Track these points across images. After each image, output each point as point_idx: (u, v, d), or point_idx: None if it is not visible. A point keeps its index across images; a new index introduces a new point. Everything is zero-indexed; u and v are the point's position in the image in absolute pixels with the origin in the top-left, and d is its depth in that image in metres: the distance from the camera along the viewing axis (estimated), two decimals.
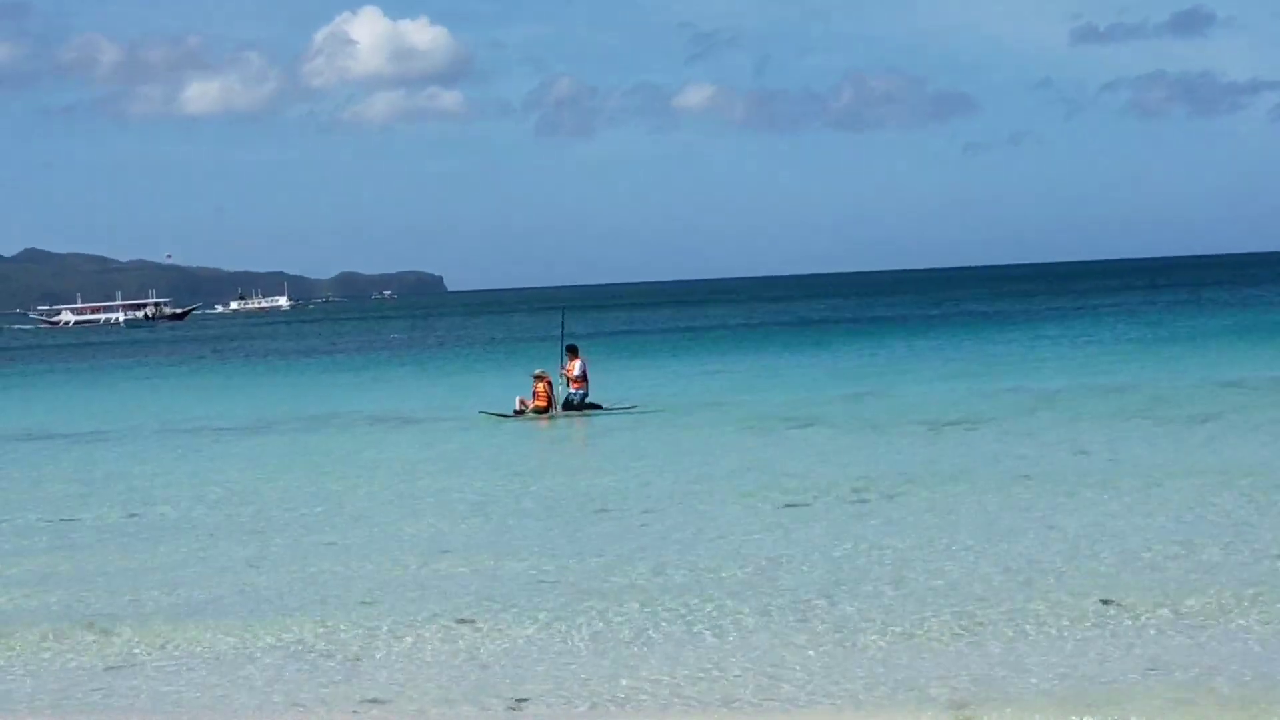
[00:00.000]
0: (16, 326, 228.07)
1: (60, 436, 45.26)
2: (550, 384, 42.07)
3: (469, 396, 51.47)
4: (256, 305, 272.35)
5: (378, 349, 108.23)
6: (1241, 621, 16.45)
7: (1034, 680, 14.68)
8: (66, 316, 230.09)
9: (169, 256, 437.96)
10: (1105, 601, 17.29)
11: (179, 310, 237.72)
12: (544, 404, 41.70)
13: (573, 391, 42.12)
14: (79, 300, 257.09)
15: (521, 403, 41.99)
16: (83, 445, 42.11)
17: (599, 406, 42.10)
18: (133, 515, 27.72)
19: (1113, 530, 21.92)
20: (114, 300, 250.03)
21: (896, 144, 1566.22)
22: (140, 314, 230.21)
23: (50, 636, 17.90)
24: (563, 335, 44.90)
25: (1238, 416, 35.97)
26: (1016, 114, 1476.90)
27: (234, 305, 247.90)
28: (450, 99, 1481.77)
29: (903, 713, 13.93)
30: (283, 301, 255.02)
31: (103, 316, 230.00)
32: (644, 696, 14.70)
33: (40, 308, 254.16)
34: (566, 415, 41.43)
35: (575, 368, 42.23)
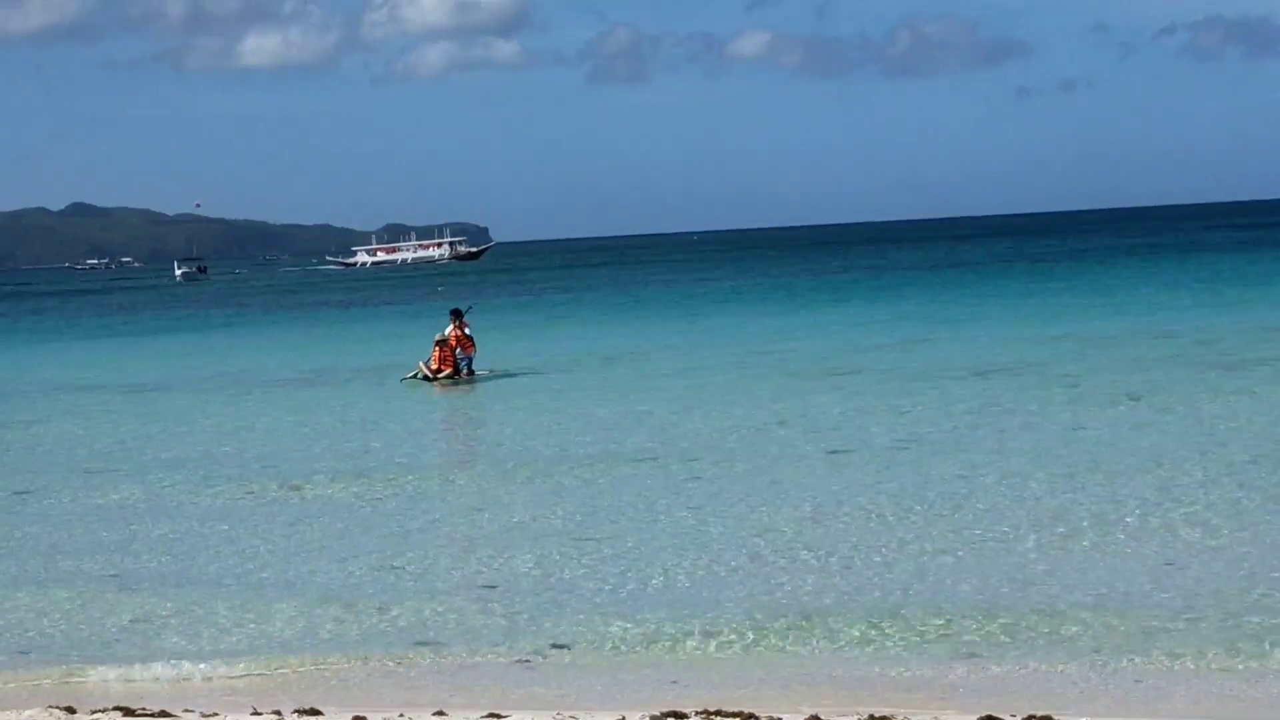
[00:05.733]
0: (316, 267, 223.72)
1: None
2: (453, 349, 41.24)
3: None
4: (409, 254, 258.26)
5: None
6: None
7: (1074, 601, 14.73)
8: (363, 258, 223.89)
9: (198, 205, 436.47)
10: (1165, 559, 17.23)
11: (475, 249, 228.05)
12: (450, 369, 40.98)
13: (461, 355, 41.47)
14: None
15: (425, 366, 41.18)
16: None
17: (474, 373, 41.42)
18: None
19: (1159, 472, 21.83)
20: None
21: (950, 90, 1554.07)
22: (438, 253, 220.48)
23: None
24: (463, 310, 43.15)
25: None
26: (1070, 59, 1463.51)
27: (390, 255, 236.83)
28: (507, 49, 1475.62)
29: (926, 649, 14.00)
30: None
31: (397, 257, 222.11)
32: (673, 639, 14.95)
33: (332, 256, 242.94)
34: (469, 381, 40.70)
35: (465, 330, 41.37)
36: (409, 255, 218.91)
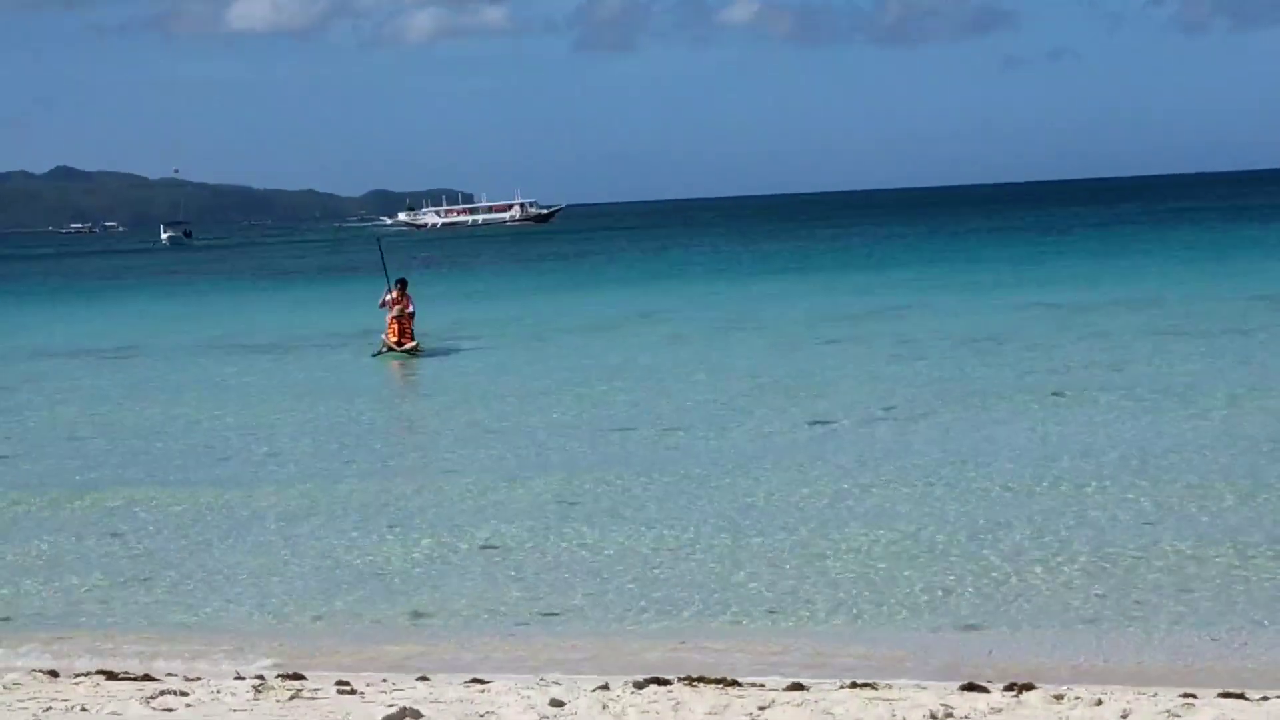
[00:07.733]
0: (383, 226, 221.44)
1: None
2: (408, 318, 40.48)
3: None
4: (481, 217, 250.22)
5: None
6: None
7: (1069, 606, 14.72)
8: (433, 219, 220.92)
9: (176, 171, 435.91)
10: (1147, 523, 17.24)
11: (545, 210, 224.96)
12: (410, 340, 40.34)
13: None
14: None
15: (386, 339, 40.54)
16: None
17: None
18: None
19: (1144, 447, 21.83)
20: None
21: (938, 59, 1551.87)
22: (506, 215, 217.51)
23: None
24: (385, 267, 42.68)
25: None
26: (1058, 28, 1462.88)
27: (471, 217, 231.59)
28: (495, 15, 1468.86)
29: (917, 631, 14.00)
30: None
31: (469, 219, 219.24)
32: (669, 607, 14.97)
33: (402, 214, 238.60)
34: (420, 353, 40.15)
35: (409, 303, 40.65)
36: (480, 216, 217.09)
